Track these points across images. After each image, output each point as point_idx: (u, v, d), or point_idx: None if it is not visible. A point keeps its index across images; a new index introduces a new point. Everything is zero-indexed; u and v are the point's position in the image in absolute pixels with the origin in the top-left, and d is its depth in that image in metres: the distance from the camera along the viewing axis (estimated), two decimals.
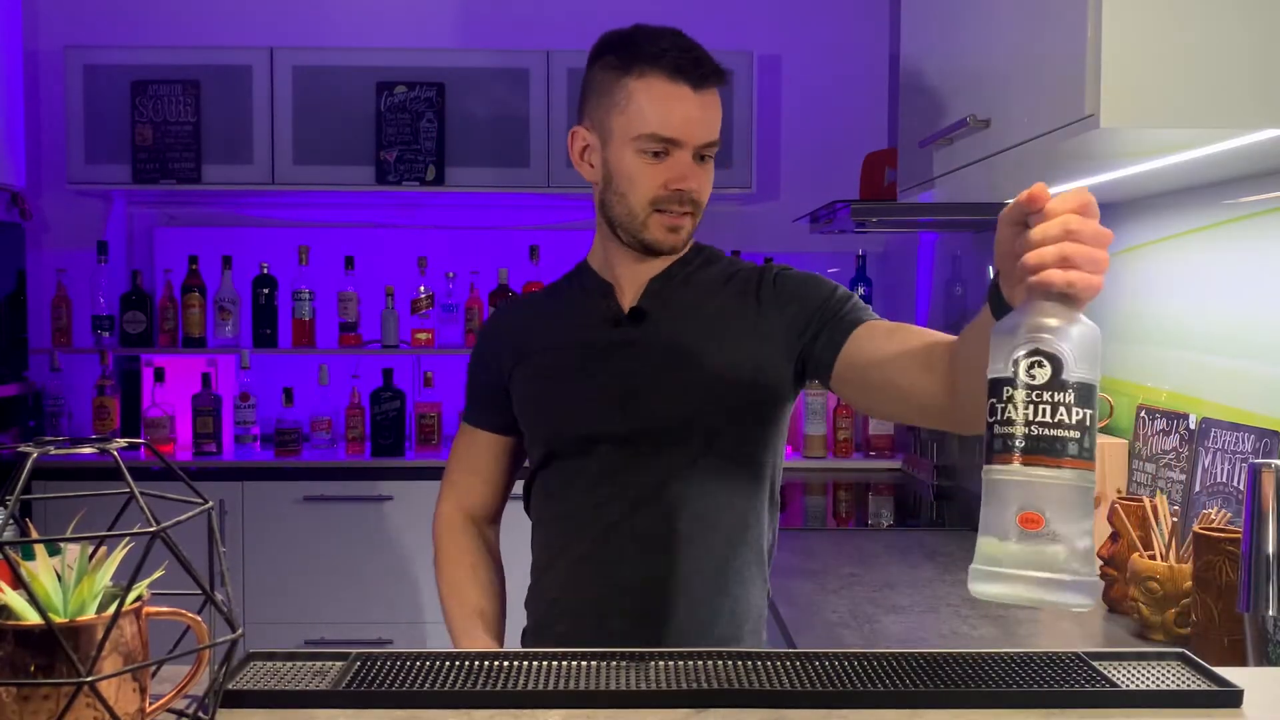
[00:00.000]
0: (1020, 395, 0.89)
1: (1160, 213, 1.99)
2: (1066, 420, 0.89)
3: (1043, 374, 0.89)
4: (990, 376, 0.92)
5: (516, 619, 1.58)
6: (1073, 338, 0.89)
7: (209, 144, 3.59)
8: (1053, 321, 0.90)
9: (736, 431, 1.46)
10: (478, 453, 1.61)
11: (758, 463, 1.48)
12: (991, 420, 0.91)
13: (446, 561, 1.58)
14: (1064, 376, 0.88)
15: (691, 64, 1.42)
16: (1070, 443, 0.89)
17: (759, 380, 1.45)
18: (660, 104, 1.41)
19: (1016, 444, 0.88)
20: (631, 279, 1.50)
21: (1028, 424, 0.88)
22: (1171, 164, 1.60)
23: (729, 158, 3.62)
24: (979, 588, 0.91)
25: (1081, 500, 0.89)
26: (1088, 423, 0.89)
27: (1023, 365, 0.89)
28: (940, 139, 1.84)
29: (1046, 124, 1.45)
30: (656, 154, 1.42)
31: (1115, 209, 2.12)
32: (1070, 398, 0.88)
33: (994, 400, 0.91)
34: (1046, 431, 0.88)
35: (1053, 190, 0.93)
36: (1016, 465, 0.89)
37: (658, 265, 1.50)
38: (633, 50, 1.44)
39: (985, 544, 0.92)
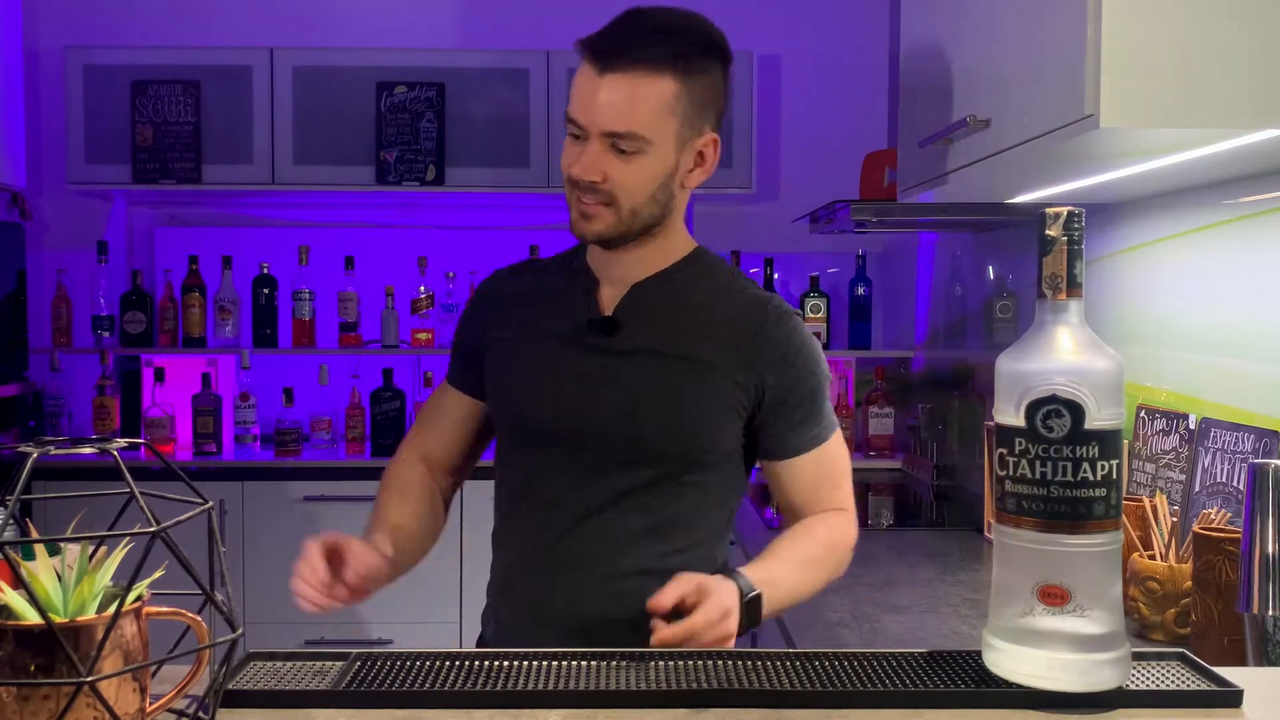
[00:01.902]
0: (1035, 450, 0.79)
1: (1160, 213, 1.99)
2: (1091, 477, 0.79)
3: (1061, 426, 0.79)
4: (998, 421, 0.83)
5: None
6: (1093, 378, 0.80)
7: (209, 144, 3.59)
8: (1072, 359, 0.79)
9: (690, 456, 1.39)
10: (444, 409, 1.55)
11: (722, 500, 1.44)
12: (1002, 474, 0.81)
13: (384, 484, 1.52)
14: (1086, 427, 0.79)
15: (607, 44, 1.32)
16: (1096, 503, 0.79)
17: (718, 411, 1.39)
18: (575, 84, 1.35)
19: (1032, 507, 0.79)
20: (614, 277, 1.44)
21: (1045, 484, 0.78)
22: (1171, 164, 1.60)
23: (729, 158, 3.62)
24: (997, 664, 0.85)
25: (1110, 565, 0.81)
26: (1114, 475, 0.79)
27: (1038, 415, 0.79)
28: (940, 139, 1.84)
29: (1046, 124, 1.45)
30: (575, 136, 1.36)
31: (1115, 209, 2.12)
32: (1094, 450, 0.79)
33: (1004, 451, 0.81)
34: (1068, 493, 0.78)
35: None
36: (1033, 532, 0.80)
37: (642, 267, 1.43)
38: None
39: (1002, 614, 0.84)
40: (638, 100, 1.31)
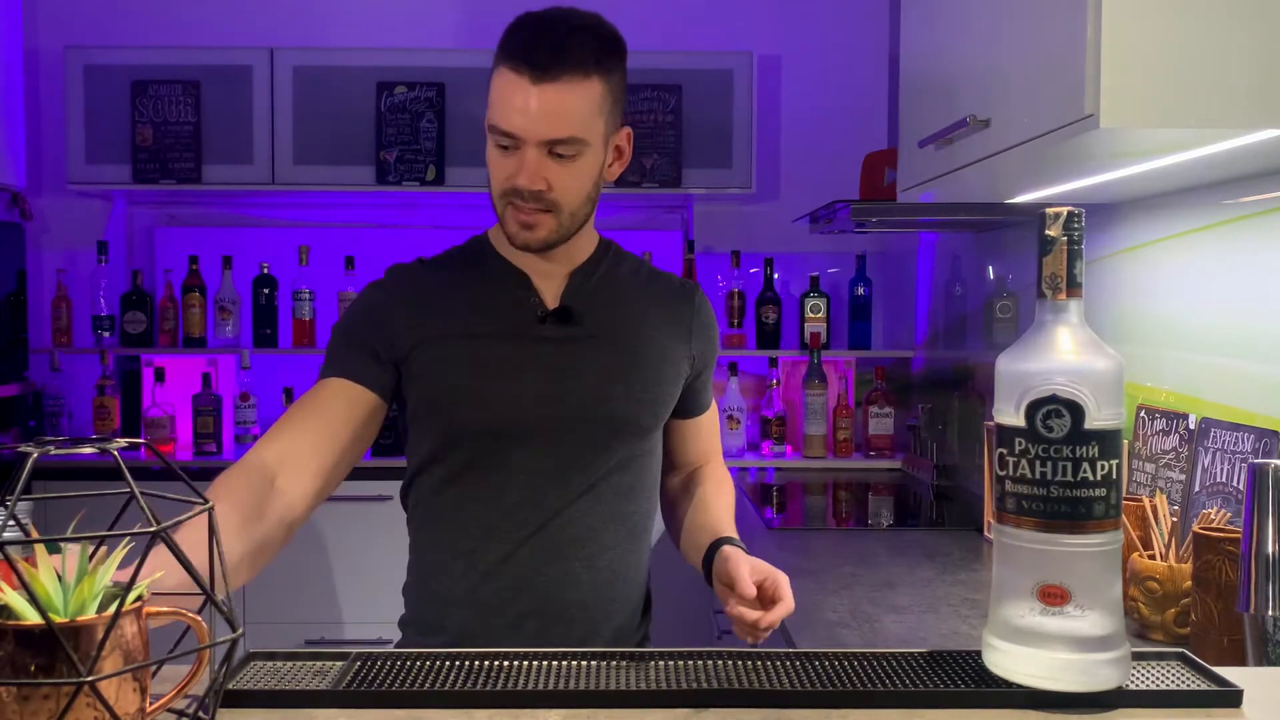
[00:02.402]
0: (1035, 450, 0.79)
1: (1160, 213, 1.99)
2: (1091, 477, 0.79)
3: (1061, 426, 0.79)
4: (998, 421, 0.83)
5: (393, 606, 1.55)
6: (1093, 378, 0.80)
7: (209, 144, 3.59)
8: (1072, 358, 0.79)
9: (656, 433, 1.52)
10: (327, 405, 1.38)
11: (657, 463, 1.55)
12: (1002, 474, 0.81)
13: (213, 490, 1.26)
14: (1086, 427, 0.79)
15: (537, 53, 1.31)
16: (1096, 503, 0.79)
17: (672, 384, 1.52)
18: (500, 95, 1.35)
19: (1032, 507, 0.79)
20: (543, 274, 1.47)
21: (1045, 484, 0.78)
22: (1171, 164, 1.60)
23: (729, 158, 3.62)
24: (997, 664, 0.85)
25: (1109, 565, 0.81)
26: (1114, 475, 0.79)
27: (1038, 415, 0.79)
28: (940, 139, 1.84)
29: (1046, 124, 1.45)
30: (505, 147, 1.36)
31: (1115, 209, 2.12)
32: (1094, 450, 0.79)
33: (1003, 451, 0.81)
34: (1068, 493, 0.78)
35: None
36: (1033, 532, 0.80)
37: (569, 260, 1.48)
38: (504, 39, 1.36)
39: (1002, 614, 0.84)
40: (572, 105, 1.33)
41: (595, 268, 1.51)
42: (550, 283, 1.48)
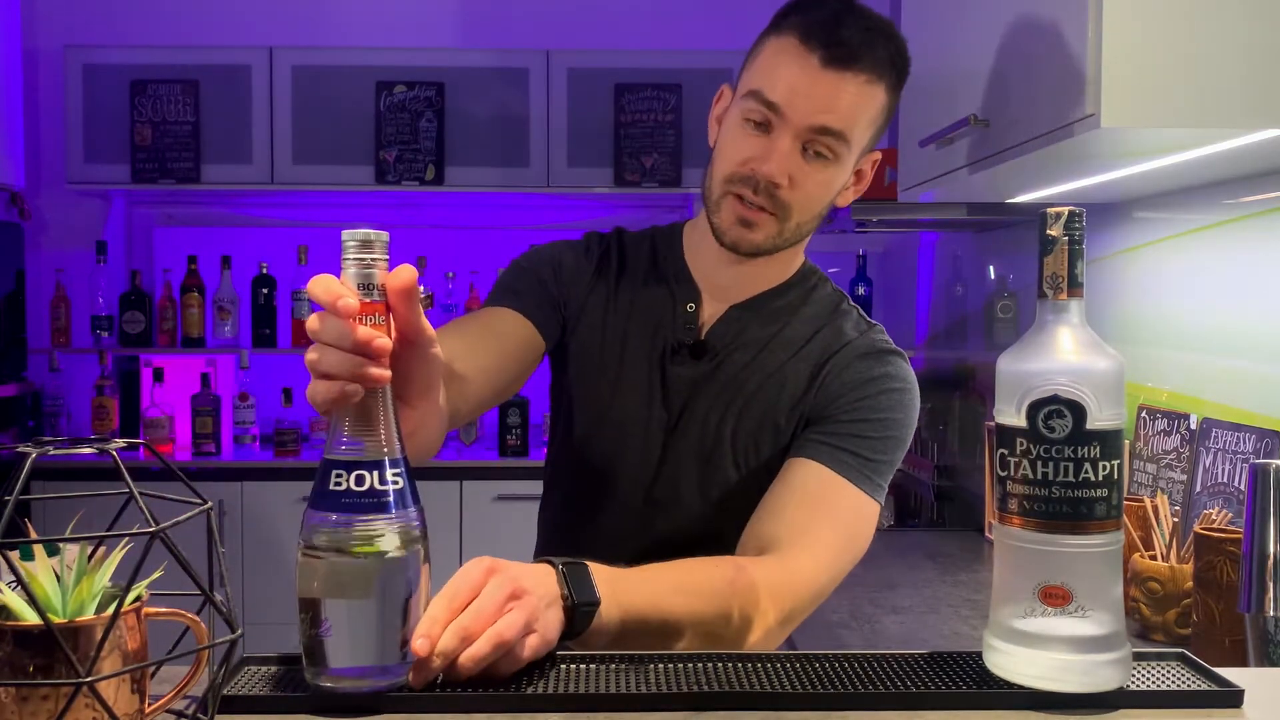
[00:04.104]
0: (1036, 451, 0.78)
1: (1160, 213, 1.99)
2: (1092, 478, 0.78)
3: (1063, 426, 0.78)
4: (999, 421, 0.82)
5: None
6: (1095, 378, 0.79)
7: (208, 144, 3.59)
8: (1073, 359, 0.78)
9: (754, 494, 1.24)
10: (497, 327, 1.27)
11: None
12: (1003, 474, 0.81)
13: None
14: (1087, 427, 0.78)
15: (838, 36, 1.18)
16: (1097, 503, 0.79)
17: (777, 457, 1.27)
18: (776, 63, 1.20)
19: (1033, 507, 0.79)
20: (716, 289, 1.32)
21: (1046, 484, 0.78)
22: (1171, 164, 1.60)
23: None
24: (998, 665, 0.85)
25: (1111, 566, 0.81)
26: (1115, 475, 0.78)
27: (1039, 416, 0.79)
28: (941, 139, 1.84)
29: (1046, 124, 1.45)
30: (758, 124, 1.21)
31: (1115, 209, 2.12)
32: (1096, 451, 0.78)
33: (1004, 451, 0.81)
34: (1069, 493, 0.78)
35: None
36: (1034, 532, 0.80)
37: (752, 284, 1.32)
38: (792, 8, 1.23)
39: (1003, 615, 0.84)
40: (853, 102, 1.19)
41: (768, 303, 1.32)
42: (719, 306, 1.32)
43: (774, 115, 1.19)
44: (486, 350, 1.23)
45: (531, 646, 0.89)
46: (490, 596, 0.88)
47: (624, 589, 1.01)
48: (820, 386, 1.28)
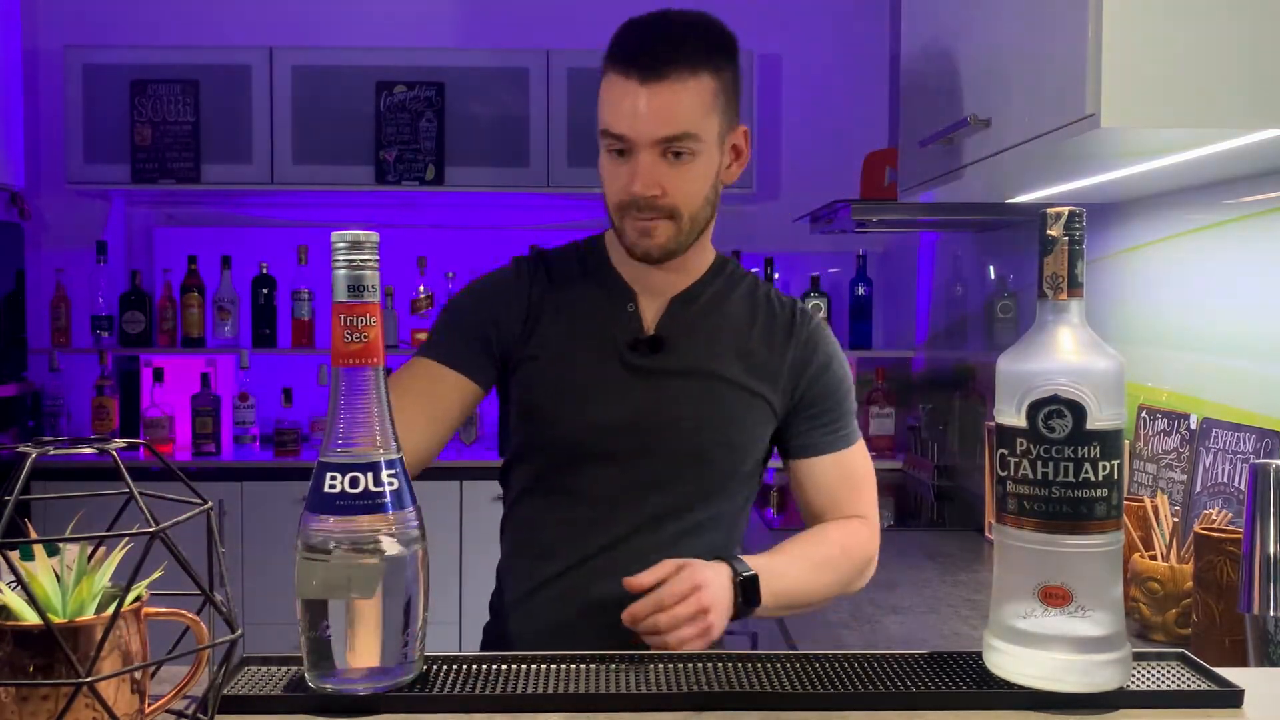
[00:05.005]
0: (1036, 451, 0.78)
1: (1160, 213, 1.99)
2: (1092, 478, 0.78)
3: (1063, 426, 0.78)
4: (999, 421, 0.83)
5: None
6: (1095, 378, 0.79)
7: (208, 144, 3.59)
8: (1073, 359, 0.79)
9: (734, 470, 1.42)
10: (435, 390, 1.39)
11: (743, 503, 1.46)
12: (1003, 474, 0.81)
13: None
14: (1087, 427, 0.78)
15: (643, 53, 1.30)
16: (1097, 503, 0.79)
17: (757, 427, 1.42)
18: (609, 98, 1.33)
19: (1033, 507, 0.79)
20: (651, 290, 1.43)
21: (1046, 484, 0.78)
22: (1171, 164, 1.60)
23: None
24: (998, 665, 0.85)
25: (1111, 566, 0.81)
26: (1115, 475, 0.78)
27: (1039, 416, 0.79)
28: (940, 139, 1.84)
29: (1046, 124, 1.45)
30: (620, 152, 1.33)
31: (1115, 209, 2.12)
32: (1096, 451, 0.78)
33: (1004, 451, 0.81)
34: (1069, 493, 0.78)
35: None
36: (1034, 532, 0.80)
37: (680, 277, 1.43)
38: (610, 47, 1.35)
39: (1003, 615, 0.84)
40: (685, 101, 1.30)
41: (703, 290, 1.44)
42: (655, 302, 1.43)
43: (626, 143, 1.32)
44: (417, 419, 1.35)
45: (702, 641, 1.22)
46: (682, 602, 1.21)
47: (775, 577, 1.31)
48: (799, 368, 1.43)
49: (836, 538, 1.42)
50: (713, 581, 1.23)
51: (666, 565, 1.23)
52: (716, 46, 1.34)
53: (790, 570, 1.35)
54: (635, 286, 1.43)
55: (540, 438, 1.43)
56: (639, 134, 1.30)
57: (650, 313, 1.42)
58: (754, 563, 1.30)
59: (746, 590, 1.27)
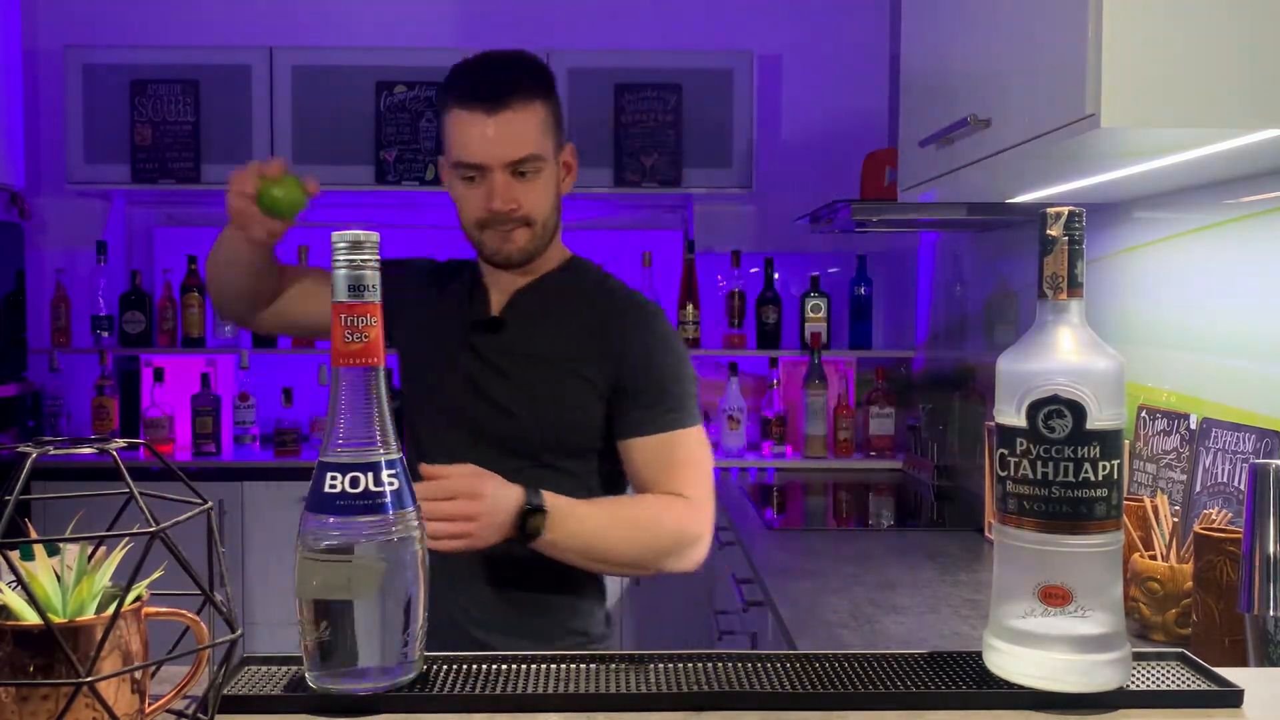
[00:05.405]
0: (1036, 451, 0.78)
1: (1160, 213, 1.99)
2: (1092, 478, 0.78)
3: (1063, 426, 0.78)
4: (999, 421, 0.82)
5: None
6: (1095, 378, 0.79)
7: (208, 143, 3.59)
8: (1073, 359, 0.79)
9: (559, 443, 1.55)
10: (303, 283, 1.68)
11: (583, 484, 1.57)
12: (1003, 474, 0.81)
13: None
14: (1087, 427, 0.78)
15: (484, 89, 1.50)
16: (1097, 503, 0.79)
17: (580, 404, 1.55)
18: (459, 132, 1.51)
19: (1033, 507, 0.79)
20: (501, 285, 1.63)
21: (1046, 484, 0.78)
22: (1171, 164, 1.60)
23: (729, 157, 3.62)
24: (998, 664, 0.85)
25: (1111, 566, 0.81)
26: (1115, 475, 0.78)
27: (1039, 416, 0.79)
28: (940, 139, 1.84)
29: (1046, 124, 1.45)
30: (471, 179, 1.53)
31: (1115, 209, 2.12)
32: (1096, 451, 0.78)
33: (1004, 451, 0.81)
34: (1069, 493, 0.78)
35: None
36: (1034, 532, 0.80)
37: (526, 275, 1.61)
38: (444, 87, 1.55)
39: (1002, 615, 0.84)
40: (526, 127, 1.51)
41: (546, 283, 1.62)
42: (504, 294, 1.62)
43: (480, 169, 1.52)
44: (307, 296, 1.67)
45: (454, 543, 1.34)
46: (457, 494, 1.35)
47: (572, 518, 1.43)
48: (620, 349, 1.56)
49: (650, 503, 1.53)
50: (494, 496, 1.37)
51: (465, 467, 1.39)
52: (541, 78, 1.56)
53: (591, 516, 1.47)
54: (488, 280, 1.64)
55: (404, 399, 1.66)
56: (492, 158, 1.50)
57: (499, 300, 1.63)
58: (555, 501, 1.42)
59: (528, 520, 1.39)
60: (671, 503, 1.51)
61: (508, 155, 1.50)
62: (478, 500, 1.36)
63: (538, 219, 1.55)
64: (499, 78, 1.51)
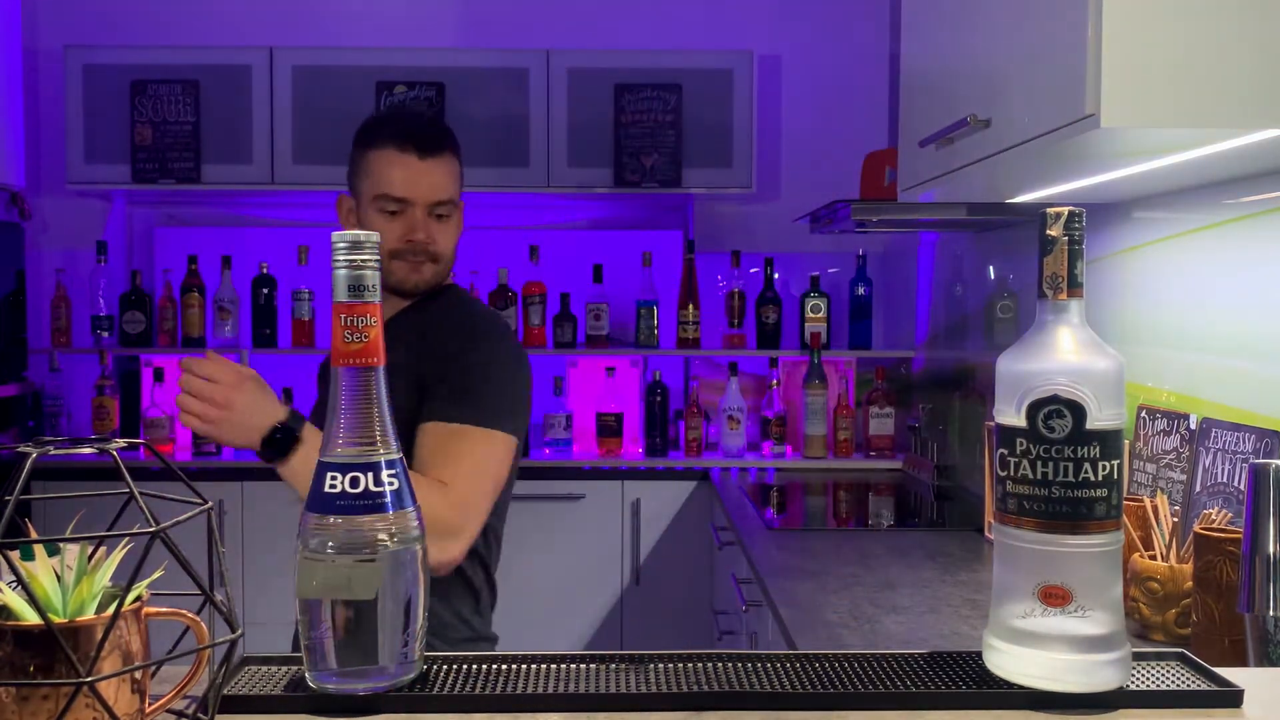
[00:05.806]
0: (1036, 450, 0.79)
1: (1160, 213, 1.99)
2: (1092, 478, 0.78)
3: (1063, 426, 0.79)
4: (999, 421, 0.83)
5: None
6: (1095, 378, 0.79)
7: (208, 144, 3.59)
8: (1073, 359, 0.79)
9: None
10: None
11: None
12: (1003, 474, 0.81)
13: None
14: (1087, 427, 0.78)
15: (419, 136, 1.69)
16: (1097, 503, 0.79)
17: (404, 396, 1.61)
18: (388, 169, 1.69)
19: (1033, 507, 0.79)
20: (389, 304, 1.75)
21: (1046, 484, 0.78)
22: (1171, 164, 1.60)
23: (729, 158, 3.62)
24: (998, 664, 0.85)
25: (1110, 566, 0.81)
26: (1115, 475, 0.78)
27: (1039, 416, 0.79)
28: (940, 139, 1.84)
29: (1046, 124, 1.45)
30: (392, 212, 1.70)
31: (1115, 209, 2.12)
32: (1096, 451, 0.78)
33: (1004, 451, 0.81)
34: (1069, 493, 0.78)
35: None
36: (1034, 532, 0.80)
37: (406, 302, 1.76)
38: (373, 129, 1.74)
39: (1002, 615, 0.84)
40: (449, 176, 1.73)
41: (414, 310, 1.75)
42: (387, 314, 1.70)
43: (403, 205, 1.70)
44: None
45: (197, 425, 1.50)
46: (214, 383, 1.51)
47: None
48: (438, 342, 1.68)
49: (412, 478, 1.63)
50: (255, 400, 1.54)
51: (247, 370, 1.55)
52: (455, 140, 1.77)
53: None
54: (386, 308, 1.70)
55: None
56: (418, 197, 1.69)
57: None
58: (312, 434, 1.54)
59: (273, 440, 1.54)
60: (431, 484, 1.53)
61: (431, 196, 1.70)
62: (235, 392, 1.50)
63: (444, 256, 1.74)
64: (429, 131, 1.72)
